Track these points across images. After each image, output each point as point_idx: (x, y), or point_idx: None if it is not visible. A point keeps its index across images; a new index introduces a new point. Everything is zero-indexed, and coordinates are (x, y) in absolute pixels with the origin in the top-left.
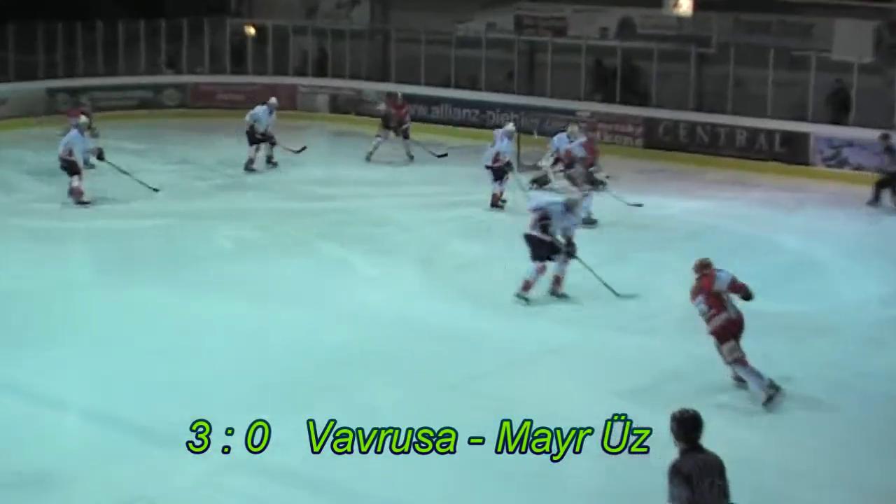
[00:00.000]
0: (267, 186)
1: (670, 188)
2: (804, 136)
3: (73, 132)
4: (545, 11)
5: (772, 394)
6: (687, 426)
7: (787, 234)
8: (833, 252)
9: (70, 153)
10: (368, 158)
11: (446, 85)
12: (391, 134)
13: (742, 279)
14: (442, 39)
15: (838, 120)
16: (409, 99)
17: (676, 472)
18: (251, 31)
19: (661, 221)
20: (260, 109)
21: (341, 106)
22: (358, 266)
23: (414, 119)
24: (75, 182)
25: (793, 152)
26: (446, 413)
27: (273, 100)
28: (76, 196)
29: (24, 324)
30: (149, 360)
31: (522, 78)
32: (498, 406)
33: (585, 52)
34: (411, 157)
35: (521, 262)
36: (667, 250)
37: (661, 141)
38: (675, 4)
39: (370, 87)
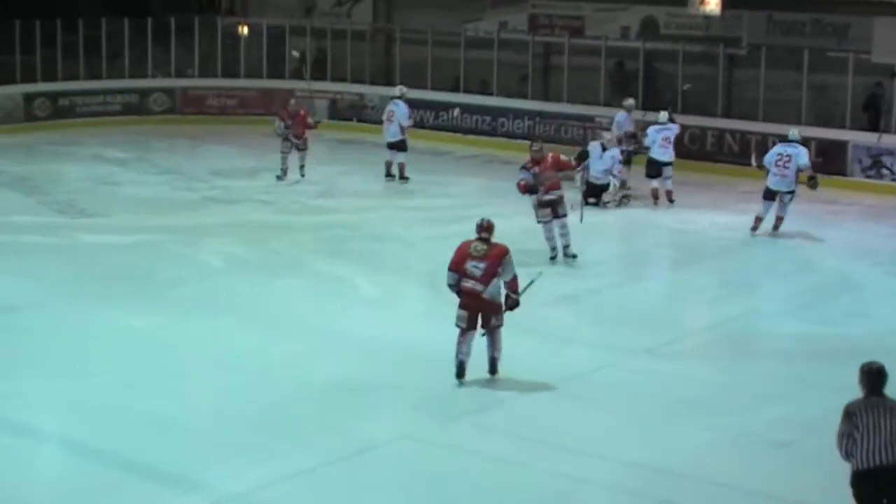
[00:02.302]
0: (260, 199)
1: (697, 201)
2: (841, 145)
3: None
4: (561, 10)
5: None
6: (871, 377)
7: (823, 250)
8: (872, 269)
9: None
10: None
11: (455, 89)
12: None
13: (775, 299)
14: (450, 40)
15: (877, 127)
16: (415, 105)
17: (844, 410)
18: (244, 31)
19: (687, 237)
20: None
21: (342, 112)
22: (358, 285)
23: (420, 126)
24: None
25: (829, 162)
26: (450, 450)
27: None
28: None
29: None
30: (129, 388)
31: (537, 81)
32: (506, 441)
33: (605, 54)
34: None
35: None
36: (694, 269)
37: (688, 150)
38: (703, 2)
39: (373, 92)
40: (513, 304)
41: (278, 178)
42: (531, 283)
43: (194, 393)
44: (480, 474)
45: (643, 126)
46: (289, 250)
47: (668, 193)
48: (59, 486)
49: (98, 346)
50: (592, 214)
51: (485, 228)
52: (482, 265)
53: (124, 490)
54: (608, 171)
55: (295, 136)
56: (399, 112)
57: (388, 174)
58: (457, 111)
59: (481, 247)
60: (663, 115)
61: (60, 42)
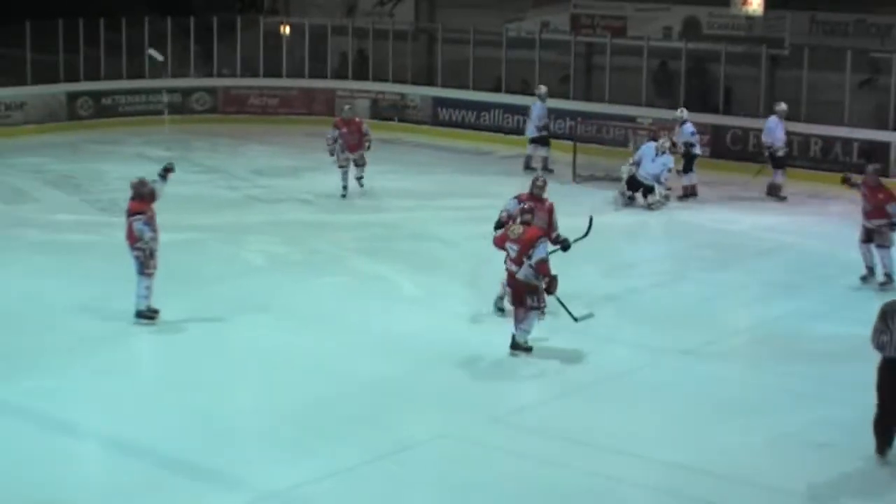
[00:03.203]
0: (302, 198)
1: (739, 202)
2: (885, 146)
3: None
4: (603, 10)
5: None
6: None
7: None
8: None
9: None
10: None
11: (497, 89)
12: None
13: (815, 301)
14: (492, 40)
15: None
16: (456, 104)
17: (881, 309)
18: (286, 30)
19: (728, 238)
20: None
21: (383, 111)
22: (399, 285)
23: (461, 126)
24: None
25: (872, 163)
26: (489, 449)
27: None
28: None
29: (37, 345)
30: (172, 386)
31: (579, 82)
32: (545, 441)
33: (647, 54)
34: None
35: (577, 280)
36: (735, 270)
37: (730, 150)
38: (745, 3)
39: (414, 92)
40: (549, 287)
41: (343, 196)
42: (587, 316)
43: (236, 390)
44: (518, 473)
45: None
46: (330, 249)
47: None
48: (103, 482)
49: (141, 343)
50: (633, 214)
51: (526, 211)
52: (516, 247)
53: (167, 487)
54: (657, 177)
55: (349, 149)
56: (533, 112)
57: (527, 167)
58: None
59: (518, 230)
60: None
61: (104, 41)
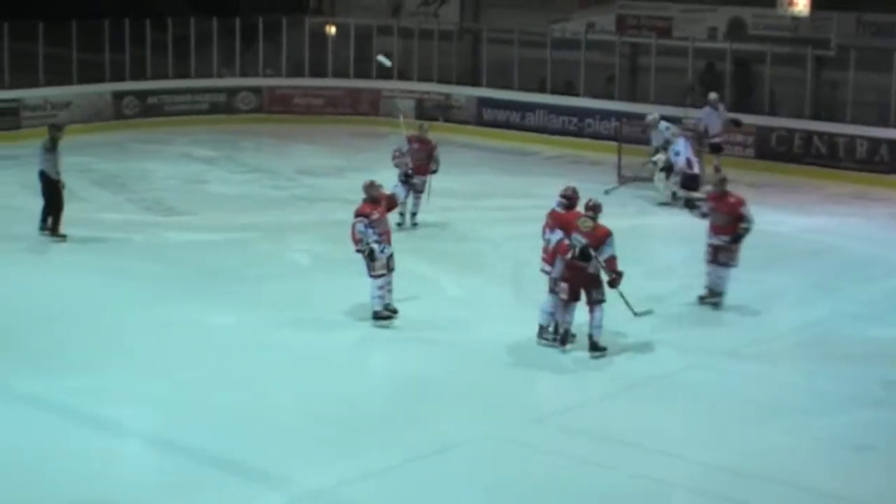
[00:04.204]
0: (346, 197)
1: (784, 203)
2: None
3: None
4: (649, 10)
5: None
6: None
7: None
8: None
9: None
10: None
11: (542, 90)
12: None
13: (860, 302)
14: (537, 41)
15: None
16: (501, 105)
17: None
18: (332, 30)
19: (772, 240)
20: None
21: (428, 111)
22: (442, 285)
23: (506, 126)
24: None
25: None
26: (531, 450)
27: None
28: None
29: (82, 344)
30: (215, 384)
31: (624, 82)
32: (587, 442)
33: (692, 55)
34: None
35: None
36: (778, 271)
37: (775, 151)
38: (791, 3)
39: (459, 92)
40: (613, 283)
41: (399, 224)
42: (646, 312)
43: (279, 389)
44: (560, 474)
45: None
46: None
47: None
48: (144, 480)
49: (184, 342)
50: (674, 215)
51: (591, 208)
52: (585, 239)
53: (208, 485)
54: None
55: (417, 172)
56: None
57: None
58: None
59: (588, 223)
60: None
61: (149, 41)
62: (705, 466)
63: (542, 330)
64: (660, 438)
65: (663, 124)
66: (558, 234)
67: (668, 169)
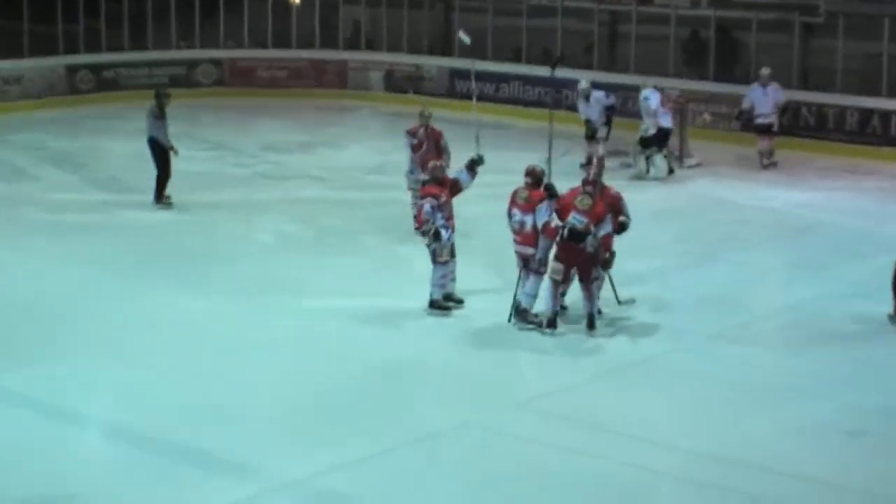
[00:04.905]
0: (313, 174)
1: (772, 178)
2: None
3: None
4: None
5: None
6: None
7: None
8: None
9: None
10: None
11: (517, 60)
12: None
13: (850, 281)
14: (512, 8)
15: None
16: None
17: None
18: None
19: (761, 216)
20: None
21: (397, 83)
22: (415, 265)
23: (479, 98)
24: None
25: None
26: (514, 439)
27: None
28: None
29: (37, 332)
30: (181, 372)
31: (603, 51)
32: (572, 430)
33: (675, 23)
34: None
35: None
36: (767, 249)
37: (747, 121)
38: None
39: (430, 63)
40: (606, 263)
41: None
42: (629, 301)
43: (248, 376)
44: (544, 463)
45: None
46: (344, 228)
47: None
48: (110, 473)
49: (148, 328)
50: (656, 189)
51: (591, 184)
52: (585, 218)
53: (176, 478)
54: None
55: (422, 165)
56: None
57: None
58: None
59: (587, 201)
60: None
61: (104, 12)
62: (693, 454)
63: (525, 313)
64: (645, 425)
65: (597, 94)
66: (543, 215)
67: (646, 141)
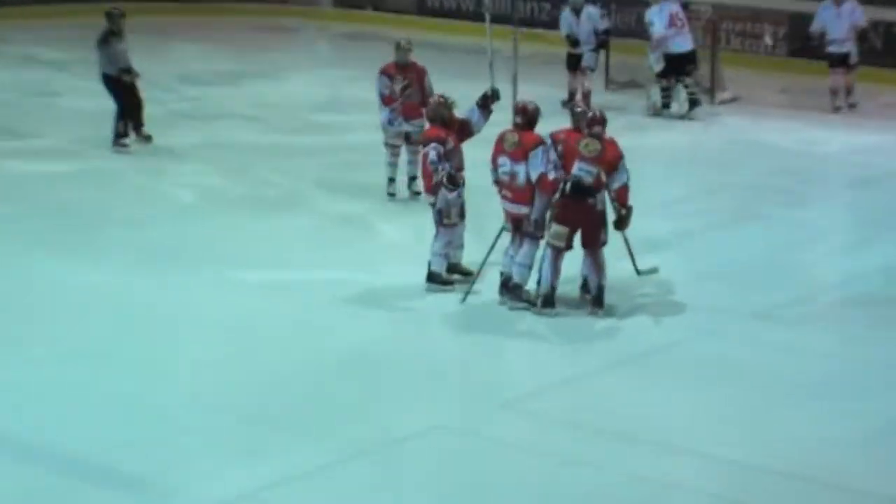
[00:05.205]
0: (245, 113)
1: (827, 116)
2: None
3: None
4: None
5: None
6: None
7: None
8: None
9: None
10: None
11: None
12: None
13: None
14: None
15: None
16: None
17: None
18: None
19: (813, 164)
20: None
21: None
22: (376, 228)
23: (456, 16)
24: None
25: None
26: (497, 444)
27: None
28: None
29: None
30: (81, 363)
31: None
32: (570, 434)
33: None
34: None
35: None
36: (821, 206)
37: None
38: None
39: None
40: (622, 222)
41: (391, 195)
42: (651, 270)
43: (168, 370)
44: (536, 476)
45: None
46: (285, 182)
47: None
48: None
49: (39, 306)
50: (680, 130)
51: (599, 122)
52: (595, 170)
53: (75, 500)
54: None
55: (407, 117)
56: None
57: None
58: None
59: (594, 145)
60: None
61: None
62: (725, 464)
63: (517, 289)
64: (666, 429)
65: (591, 10)
66: (539, 164)
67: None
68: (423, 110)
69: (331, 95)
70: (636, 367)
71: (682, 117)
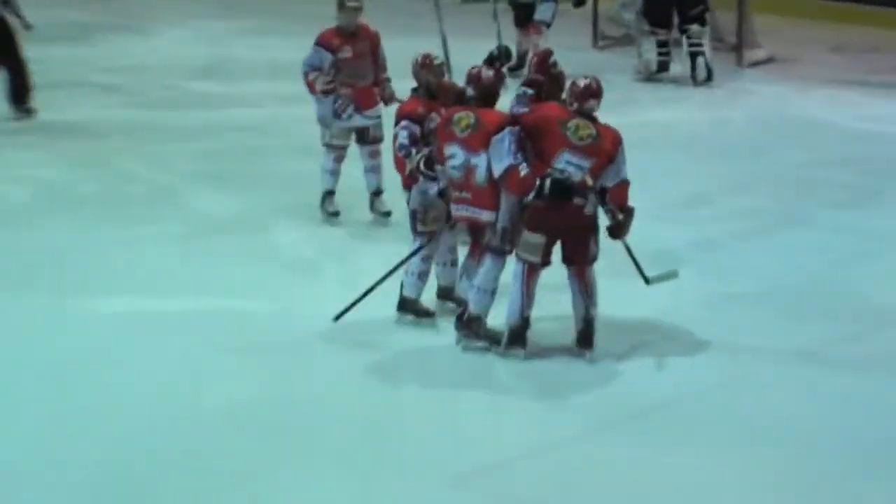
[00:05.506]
0: (98, 81)
1: (883, 84)
2: None
3: None
4: None
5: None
6: None
7: None
8: None
9: None
10: None
11: None
12: None
13: None
14: None
15: None
16: None
17: None
18: None
19: (880, 150)
20: None
21: None
22: (270, 238)
23: None
24: None
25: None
26: None
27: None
28: None
29: None
30: None
31: None
32: None
33: None
34: None
35: None
36: (891, 206)
37: None
38: None
39: None
40: (619, 230)
41: (332, 215)
42: (669, 275)
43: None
44: None
45: None
46: (151, 173)
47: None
48: None
49: None
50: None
51: (592, 93)
52: (586, 162)
53: None
54: None
55: (356, 100)
56: None
57: None
58: None
59: (587, 131)
60: None
61: None
62: None
63: (474, 324)
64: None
65: None
66: (506, 155)
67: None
68: (377, 93)
69: (215, 57)
70: (635, 429)
71: (696, 83)
